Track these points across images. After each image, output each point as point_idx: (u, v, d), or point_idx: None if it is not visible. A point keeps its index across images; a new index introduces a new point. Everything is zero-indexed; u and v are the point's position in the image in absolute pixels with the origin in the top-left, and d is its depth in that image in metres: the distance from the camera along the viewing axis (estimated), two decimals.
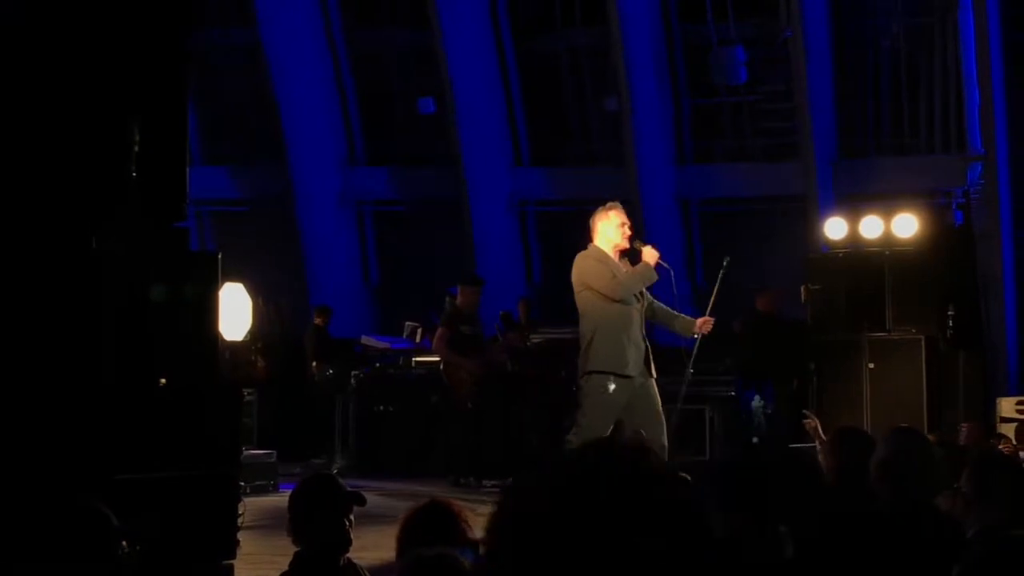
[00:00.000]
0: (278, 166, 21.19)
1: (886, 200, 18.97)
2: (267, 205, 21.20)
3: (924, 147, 20.02)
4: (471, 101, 21.13)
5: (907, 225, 17.28)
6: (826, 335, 17.26)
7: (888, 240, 17.23)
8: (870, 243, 17.33)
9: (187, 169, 7.33)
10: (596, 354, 10.44)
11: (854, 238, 17.46)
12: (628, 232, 10.65)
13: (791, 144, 20.36)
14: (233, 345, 18.38)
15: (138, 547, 3.92)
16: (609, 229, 10.61)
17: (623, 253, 10.70)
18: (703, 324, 11.00)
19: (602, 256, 10.57)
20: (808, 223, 19.38)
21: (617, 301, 10.42)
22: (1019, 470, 6.84)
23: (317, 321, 18.62)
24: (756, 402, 16.60)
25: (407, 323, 18.05)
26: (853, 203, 18.54)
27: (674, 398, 17.39)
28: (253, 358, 19.01)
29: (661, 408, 10.68)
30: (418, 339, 17.17)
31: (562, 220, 20.58)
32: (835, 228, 17.66)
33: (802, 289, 16.84)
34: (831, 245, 17.69)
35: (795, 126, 20.08)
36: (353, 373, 17.13)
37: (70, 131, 7.00)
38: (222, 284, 7.37)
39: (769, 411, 15.96)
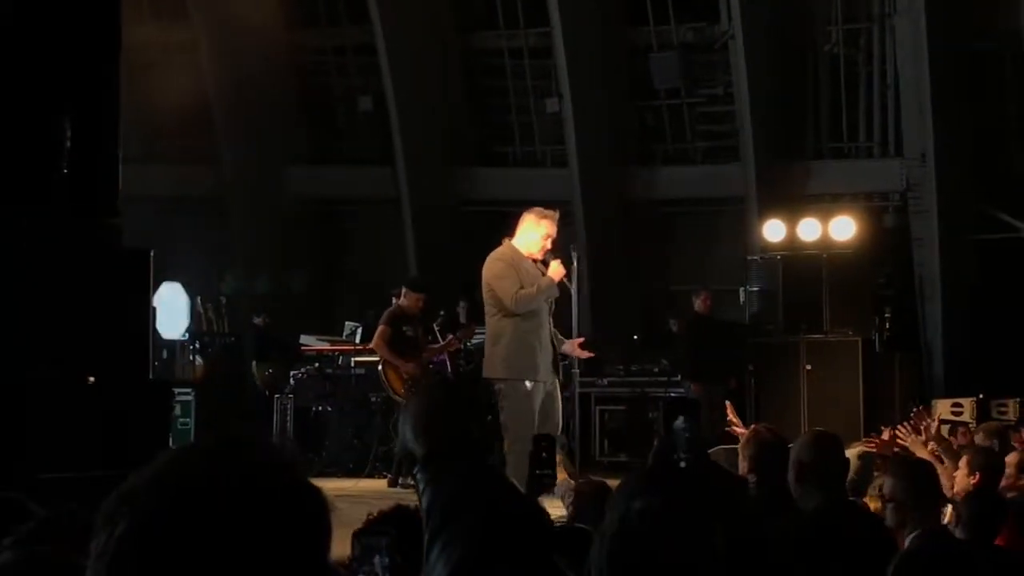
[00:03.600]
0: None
1: (824, 203, 19.10)
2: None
3: (862, 150, 20.16)
4: (409, 99, 21.07)
5: (844, 228, 17.42)
6: (763, 337, 17.39)
7: (826, 242, 17.36)
8: (808, 245, 17.45)
9: (119, 166, 7.27)
10: (510, 360, 10.48)
11: (792, 240, 17.58)
12: (548, 247, 10.65)
13: (730, 147, 20.45)
14: (171, 344, 18.35)
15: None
16: (533, 235, 10.64)
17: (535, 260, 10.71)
18: (574, 349, 10.94)
19: (514, 260, 10.56)
20: (747, 225, 19.47)
21: (516, 315, 10.45)
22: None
23: (256, 321, 18.54)
24: (679, 423, 16.63)
25: (347, 323, 18.00)
26: (791, 206, 18.65)
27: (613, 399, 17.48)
28: (191, 357, 18.91)
29: (561, 409, 10.72)
30: (358, 339, 17.12)
31: (504, 221, 20.54)
32: (773, 230, 17.78)
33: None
34: (769, 247, 17.81)
35: (734, 129, 20.17)
36: (292, 373, 17.06)
37: (0, 125, 6.94)
38: (158, 282, 7.31)
39: (688, 434, 15.98)
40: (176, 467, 1.60)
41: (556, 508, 9.55)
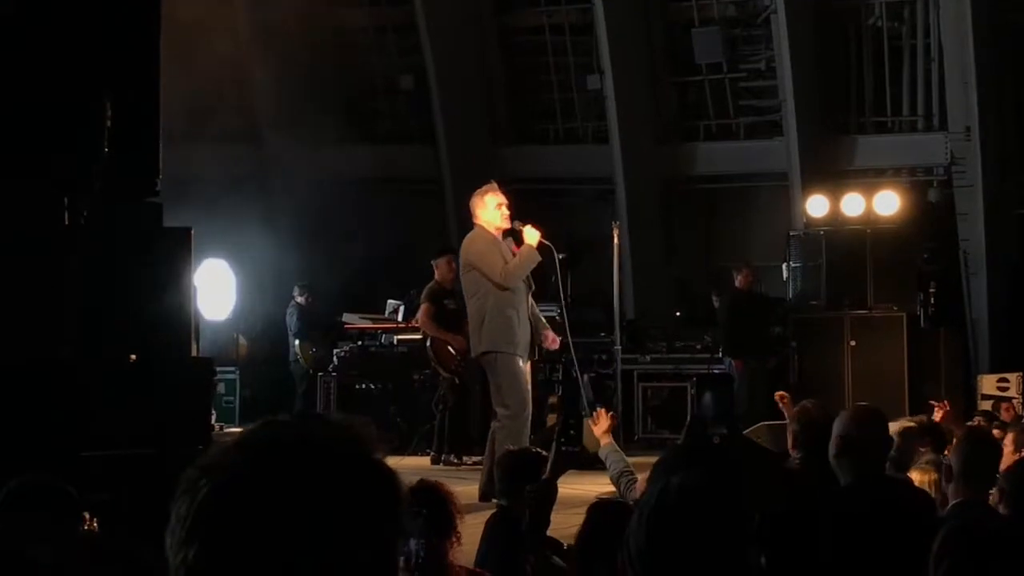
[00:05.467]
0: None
1: (867, 177, 18.98)
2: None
3: (905, 125, 20.00)
4: (450, 78, 21.06)
5: (888, 202, 17.31)
6: (807, 312, 17.30)
7: (869, 217, 17.26)
8: (851, 220, 17.35)
9: (160, 145, 7.29)
10: (494, 334, 10.55)
11: (835, 215, 17.48)
12: (507, 212, 10.73)
13: (773, 122, 20.34)
14: (215, 323, 18.43)
15: (96, 520, 3.91)
16: (488, 212, 10.74)
17: (506, 233, 10.76)
18: (552, 342, 11.17)
19: (491, 239, 10.65)
20: (790, 201, 19.37)
21: (505, 288, 10.51)
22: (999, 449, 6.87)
23: (299, 299, 18.58)
24: (706, 398, 16.71)
25: (389, 301, 18.02)
26: (834, 181, 18.54)
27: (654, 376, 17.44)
28: (235, 336, 18.99)
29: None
30: (400, 318, 17.15)
31: (546, 198, 20.52)
32: (816, 205, 17.68)
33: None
34: (812, 222, 17.72)
35: (777, 104, 20.05)
36: (335, 351, 17.12)
37: (42, 106, 6.97)
38: (200, 261, 7.34)
39: (716, 409, 16.18)
40: (255, 439, 1.64)
41: (604, 485, 9.58)
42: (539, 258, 10.71)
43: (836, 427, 5.48)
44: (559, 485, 5.97)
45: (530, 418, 10.64)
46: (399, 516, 1.66)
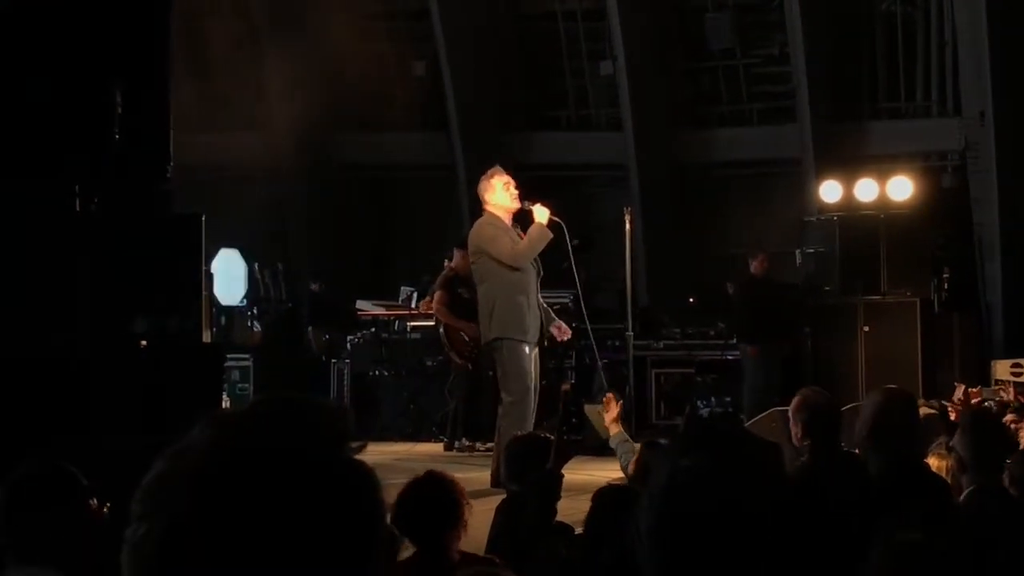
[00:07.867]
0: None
1: (881, 163, 18.93)
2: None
3: (919, 110, 19.95)
4: (462, 64, 21.04)
5: (902, 188, 17.28)
6: (821, 298, 17.29)
7: (883, 203, 17.22)
8: (865, 206, 17.32)
9: (170, 131, 7.30)
10: (503, 321, 10.59)
11: (849, 201, 17.45)
12: (515, 192, 10.75)
13: (786, 108, 20.29)
14: (229, 310, 18.47)
15: (107, 506, 3.92)
16: (497, 195, 10.77)
17: (516, 215, 10.78)
18: (561, 333, 11.17)
19: (499, 223, 10.69)
20: (803, 187, 19.34)
21: (517, 269, 10.53)
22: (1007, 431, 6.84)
23: (312, 287, 18.62)
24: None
25: (402, 288, 18.04)
26: (848, 166, 18.49)
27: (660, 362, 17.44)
28: (249, 323, 19.03)
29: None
30: (413, 304, 17.16)
31: (559, 185, 20.51)
32: (830, 191, 17.65)
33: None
34: (826, 208, 17.69)
35: (790, 89, 20.00)
36: (348, 338, 17.15)
37: (52, 92, 6.99)
38: (215, 250, 7.35)
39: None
40: (218, 454, 1.48)
41: (612, 471, 9.58)
42: (550, 235, 10.71)
43: (866, 411, 5.42)
44: (566, 472, 5.97)
45: (533, 404, 10.67)
46: (378, 532, 1.52)
